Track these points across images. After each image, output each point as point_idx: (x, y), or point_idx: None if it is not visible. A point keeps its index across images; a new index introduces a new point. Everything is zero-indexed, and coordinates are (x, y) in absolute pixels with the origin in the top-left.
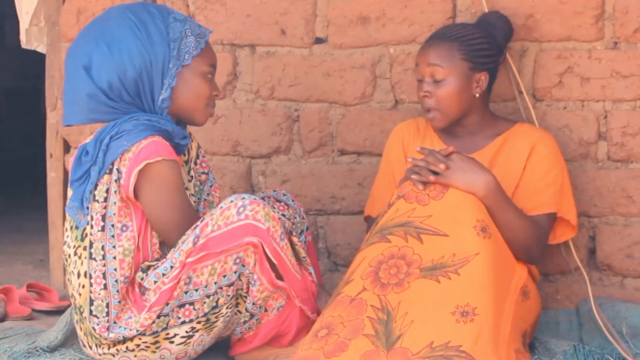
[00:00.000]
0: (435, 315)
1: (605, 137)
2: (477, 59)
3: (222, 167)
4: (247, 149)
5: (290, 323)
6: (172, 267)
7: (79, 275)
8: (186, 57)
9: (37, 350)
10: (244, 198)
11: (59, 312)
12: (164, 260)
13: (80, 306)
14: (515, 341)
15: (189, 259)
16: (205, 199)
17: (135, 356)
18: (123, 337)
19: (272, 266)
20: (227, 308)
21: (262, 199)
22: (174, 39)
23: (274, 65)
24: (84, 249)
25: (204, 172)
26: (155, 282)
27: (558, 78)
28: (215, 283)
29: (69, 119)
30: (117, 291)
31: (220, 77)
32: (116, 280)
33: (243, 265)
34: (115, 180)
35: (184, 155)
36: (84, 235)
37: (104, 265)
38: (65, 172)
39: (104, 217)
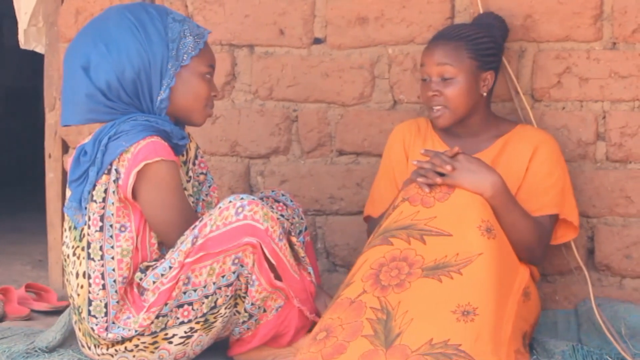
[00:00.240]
0: (436, 313)
1: (604, 137)
2: (483, 57)
3: (220, 168)
4: (245, 149)
5: (289, 323)
6: (170, 267)
7: (77, 275)
8: (185, 58)
9: (36, 351)
10: (242, 198)
11: (57, 312)
12: (163, 260)
13: (79, 306)
14: (516, 342)
15: (188, 260)
16: (203, 200)
17: (133, 356)
18: (122, 337)
19: (271, 266)
20: (225, 308)
21: (261, 199)
22: (172, 39)
23: (273, 65)
24: (83, 249)
25: (202, 173)
26: (153, 282)
27: (556, 78)
28: (214, 283)
29: (67, 119)
30: (116, 291)
31: (219, 78)
32: (115, 281)
33: (242, 266)
34: (114, 181)
35: (183, 155)
36: (82, 236)
37: (103, 266)
38: (64, 173)
39: (102, 218)
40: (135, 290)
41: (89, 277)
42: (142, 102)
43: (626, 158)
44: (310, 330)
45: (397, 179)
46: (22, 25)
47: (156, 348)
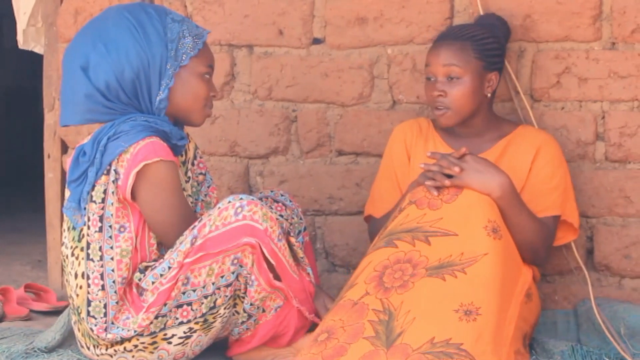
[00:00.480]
0: (438, 311)
1: (603, 137)
2: (489, 58)
3: (219, 168)
4: (244, 149)
5: (288, 323)
6: (169, 267)
7: (76, 276)
8: (184, 58)
9: (35, 351)
10: (241, 198)
11: (56, 312)
12: (162, 261)
13: (78, 307)
14: (516, 342)
15: (187, 260)
16: (202, 200)
17: (133, 357)
18: (121, 337)
19: (270, 267)
20: (224, 309)
21: (260, 199)
22: (171, 39)
23: (272, 65)
24: (82, 249)
25: (201, 173)
26: (153, 282)
27: (556, 78)
28: (213, 284)
29: (66, 120)
30: (115, 292)
31: (218, 78)
32: (114, 281)
33: (241, 266)
34: (113, 181)
35: (182, 156)
36: (81, 236)
37: (102, 266)
38: (63, 173)
39: (101, 218)
40: (135, 290)
41: (88, 278)
42: (141, 103)
43: (625, 158)
44: (309, 331)
45: (398, 178)
46: (21, 25)
47: (155, 348)
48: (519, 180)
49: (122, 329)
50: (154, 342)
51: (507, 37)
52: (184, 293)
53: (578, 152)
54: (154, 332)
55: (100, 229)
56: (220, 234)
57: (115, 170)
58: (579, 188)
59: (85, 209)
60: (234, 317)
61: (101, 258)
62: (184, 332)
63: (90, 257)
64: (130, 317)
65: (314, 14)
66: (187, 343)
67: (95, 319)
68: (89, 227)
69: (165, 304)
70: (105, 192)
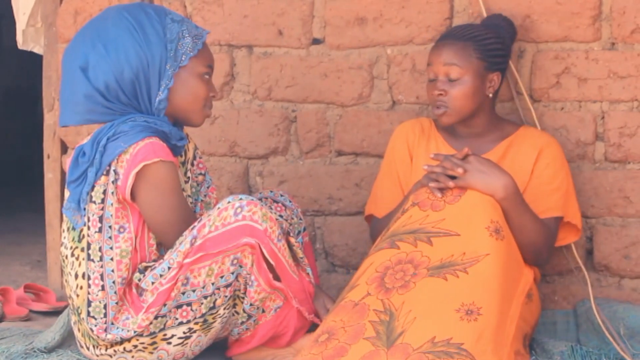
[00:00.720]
0: (439, 311)
1: (603, 137)
2: (491, 58)
3: (219, 168)
4: (244, 149)
5: (287, 324)
6: (169, 268)
7: (76, 276)
8: (183, 58)
9: (35, 351)
10: (241, 199)
11: (56, 313)
12: (162, 261)
13: (78, 307)
14: (517, 343)
15: (187, 260)
16: (202, 200)
17: (132, 357)
18: (120, 338)
19: (270, 267)
20: (224, 309)
21: (260, 199)
22: (171, 39)
23: (271, 66)
24: (82, 250)
25: (200, 173)
26: (152, 283)
27: (555, 79)
28: (213, 284)
29: (65, 120)
30: (115, 292)
31: (218, 78)
32: (114, 282)
33: (240, 266)
34: (112, 182)
35: (181, 156)
36: (81, 237)
37: (102, 267)
38: (63, 173)
39: (101, 219)
40: (134, 291)
41: (89, 278)
42: (141, 103)
43: (625, 158)
44: (309, 331)
45: (400, 178)
46: (20, 25)
47: (155, 349)
48: (520, 181)
49: (122, 330)
50: (154, 343)
51: (512, 38)
52: (183, 293)
53: (577, 153)
54: (154, 333)
55: (100, 230)
56: (220, 234)
57: (114, 170)
58: (578, 188)
59: (84, 209)
60: (233, 317)
61: (101, 258)
62: (184, 333)
63: (91, 257)
64: (130, 318)
65: (314, 14)
66: (186, 343)
67: (95, 319)
68: (89, 228)
69: (164, 305)
70: (104, 192)
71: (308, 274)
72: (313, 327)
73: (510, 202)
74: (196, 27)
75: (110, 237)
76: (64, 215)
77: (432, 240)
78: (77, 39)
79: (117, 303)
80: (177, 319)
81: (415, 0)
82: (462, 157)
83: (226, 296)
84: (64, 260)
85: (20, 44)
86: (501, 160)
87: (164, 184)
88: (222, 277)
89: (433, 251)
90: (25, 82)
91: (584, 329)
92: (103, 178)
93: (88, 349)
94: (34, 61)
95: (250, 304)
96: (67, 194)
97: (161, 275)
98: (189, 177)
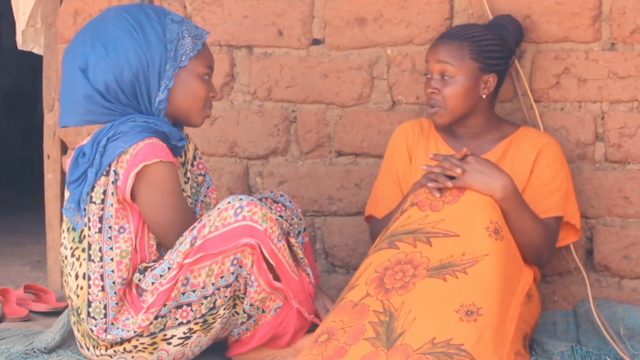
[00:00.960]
0: (439, 312)
1: (603, 138)
2: (487, 60)
3: (219, 169)
4: (244, 150)
5: (287, 324)
6: (169, 268)
7: (76, 276)
8: (183, 59)
9: (35, 352)
10: (241, 199)
11: (56, 313)
12: (162, 261)
13: (78, 308)
14: (517, 343)
15: (187, 260)
16: (202, 201)
17: (132, 357)
18: (120, 338)
19: (270, 267)
20: (224, 309)
21: (260, 200)
22: (170, 40)
23: (271, 66)
24: (82, 250)
25: (200, 174)
26: (152, 283)
27: (555, 79)
28: (213, 284)
29: (65, 120)
30: (115, 293)
31: (218, 78)
32: (114, 282)
33: (240, 267)
34: (112, 182)
35: (181, 157)
36: (81, 237)
37: (102, 267)
38: (63, 174)
39: (101, 219)
40: (134, 291)
41: (89, 279)
42: (141, 104)
43: (625, 159)
44: (309, 331)
45: (400, 178)
46: (20, 26)
47: (155, 349)
48: (520, 181)
49: (122, 330)
50: (154, 343)
51: (517, 39)
52: (183, 294)
53: (577, 153)
54: (154, 333)
55: (100, 230)
56: (220, 234)
57: (114, 171)
58: (578, 189)
59: (84, 209)
60: (233, 317)
61: (101, 259)
62: (184, 333)
63: (92, 258)
64: (130, 318)
65: (314, 15)
66: (186, 344)
67: (95, 319)
68: (89, 228)
69: (164, 305)
70: (104, 193)
71: (308, 274)
72: (313, 327)
73: (510, 203)
74: (196, 28)
75: (110, 238)
76: (64, 216)
77: (432, 241)
78: (77, 39)
79: (117, 303)
80: (177, 319)
81: (415, 0)
82: (461, 158)
83: (226, 296)
84: (63, 261)
85: (20, 44)
86: (500, 161)
87: (164, 184)
88: (222, 277)
89: (432, 252)
90: (25, 82)
91: (584, 330)
92: (103, 178)
93: (88, 349)
94: (34, 61)
95: (250, 304)
96: (67, 194)
97: (161, 276)
98: (188, 178)
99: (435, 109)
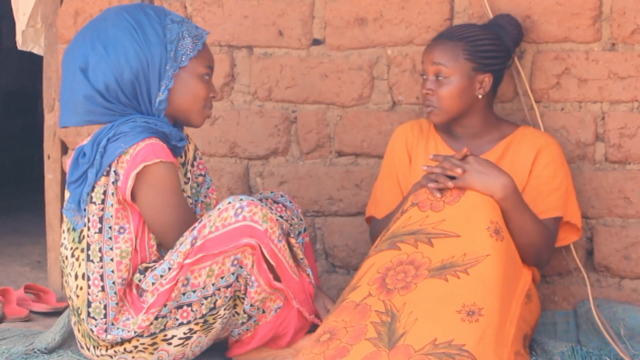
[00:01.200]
0: (441, 313)
1: (603, 138)
2: (481, 60)
3: (219, 169)
4: (244, 150)
5: (287, 324)
6: (169, 268)
7: (76, 277)
8: (183, 59)
9: (35, 352)
10: (241, 199)
11: (56, 313)
12: (162, 261)
13: (78, 308)
14: (517, 343)
15: (187, 261)
16: (202, 201)
17: (132, 358)
18: (121, 338)
19: (270, 267)
20: (224, 309)
21: (260, 200)
22: (170, 40)
23: (272, 66)
24: (82, 250)
25: (200, 174)
26: (152, 283)
27: (555, 79)
28: (213, 284)
29: (65, 121)
30: (115, 293)
31: (218, 79)
32: (114, 282)
33: (241, 267)
34: (113, 182)
35: (181, 157)
36: (81, 237)
37: (102, 267)
38: (63, 174)
39: (101, 219)
40: (135, 291)
41: (89, 279)
42: (141, 104)
43: (625, 159)
44: (309, 332)
45: (399, 179)
46: (20, 26)
47: (155, 349)
48: (519, 181)
49: (122, 330)
50: (154, 343)
51: (516, 39)
52: (183, 294)
53: (578, 153)
54: (154, 333)
55: (100, 230)
56: (220, 234)
57: (115, 171)
58: (578, 189)
59: (85, 210)
60: (233, 318)
61: (101, 259)
62: (184, 333)
63: (91, 258)
64: (130, 318)
65: (314, 15)
66: (187, 344)
67: (96, 320)
68: (89, 229)
69: (165, 305)
70: (105, 193)
71: (308, 274)
72: (313, 327)
73: (510, 203)
74: (196, 28)
75: (110, 238)
76: (64, 216)
77: (433, 242)
78: (77, 39)
79: (117, 304)
80: (177, 319)
81: (415, 1)
82: (461, 158)
83: (226, 297)
84: (64, 261)
85: (20, 44)
86: (500, 161)
87: (164, 184)
88: (222, 277)
89: (434, 252)
90: (25, 82)
91: (584, 330)
92: (103, 179)
93: (88, 349)
94: (34, 62)
95: (251, 305)
96: (67, 194)
97: (161, 276)
98: (189, 178)
99: (430, 109)
